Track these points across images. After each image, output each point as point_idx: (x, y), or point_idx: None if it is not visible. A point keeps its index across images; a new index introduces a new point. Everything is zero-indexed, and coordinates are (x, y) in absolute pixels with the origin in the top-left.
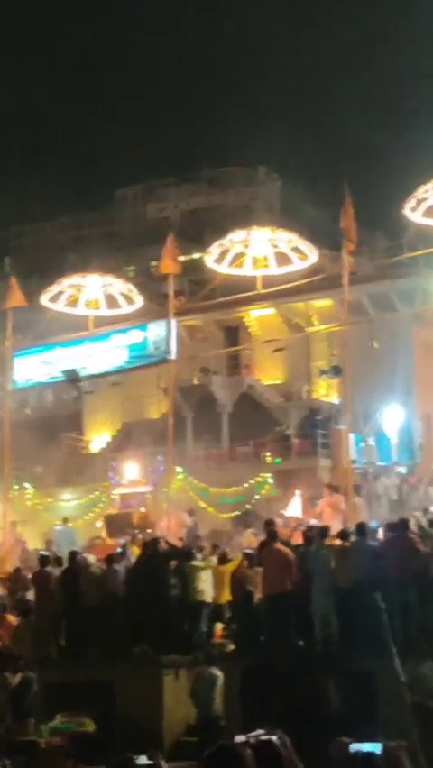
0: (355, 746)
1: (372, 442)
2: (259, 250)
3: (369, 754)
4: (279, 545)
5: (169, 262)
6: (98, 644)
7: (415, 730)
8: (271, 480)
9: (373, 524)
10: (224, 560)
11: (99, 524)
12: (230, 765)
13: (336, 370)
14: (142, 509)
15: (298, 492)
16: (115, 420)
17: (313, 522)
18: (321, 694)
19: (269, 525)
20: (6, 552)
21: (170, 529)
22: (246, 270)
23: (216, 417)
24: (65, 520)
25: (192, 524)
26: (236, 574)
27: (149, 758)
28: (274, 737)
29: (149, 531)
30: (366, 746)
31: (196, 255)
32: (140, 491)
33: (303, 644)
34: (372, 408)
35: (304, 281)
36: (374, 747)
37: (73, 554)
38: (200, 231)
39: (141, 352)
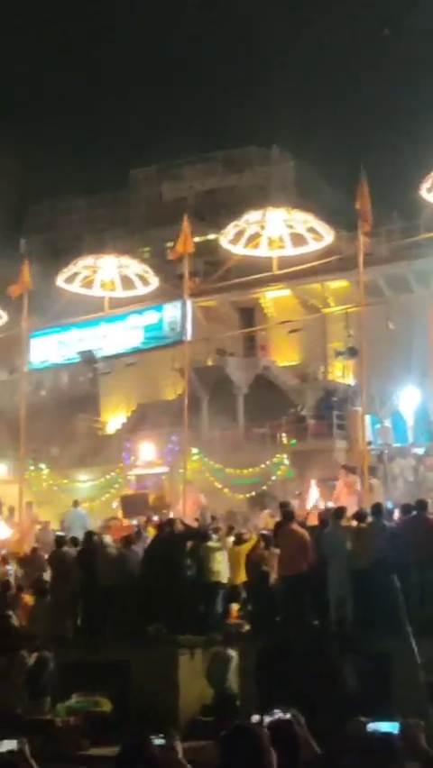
0: (373, 726)
1: (388, 423)
2: (274, 230)
3: (387, 734)
4: (295, 526)
5: (184, 243)
6: (114, 624)
7: (431, 710)
8: (286, 462)
9: (388, 505)
10: (240, 540)
11: (115, 504)
12: (247, 745)
13: (352, 352)
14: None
15: (313, 482)
16: (131, 401)
17: (329, 503)
18: (337, 674)
19: (285, 507)
20: (23, 532)
21: (185, 510)
22: (262, 251)
23: (231, 399)
24: (75, 503)
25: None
26: (252, 555)
27: (164, 738)
28: (289, 716)
29: (164, 511)
30: (384, 726)
31: (211, 236)
32: (155, 472)
33: (319, 624)
34: (388, 389)
35: (320, 262)
36: (392, 727)
37: (89, 535)
38: (216, 211)
39: (156, 332)
